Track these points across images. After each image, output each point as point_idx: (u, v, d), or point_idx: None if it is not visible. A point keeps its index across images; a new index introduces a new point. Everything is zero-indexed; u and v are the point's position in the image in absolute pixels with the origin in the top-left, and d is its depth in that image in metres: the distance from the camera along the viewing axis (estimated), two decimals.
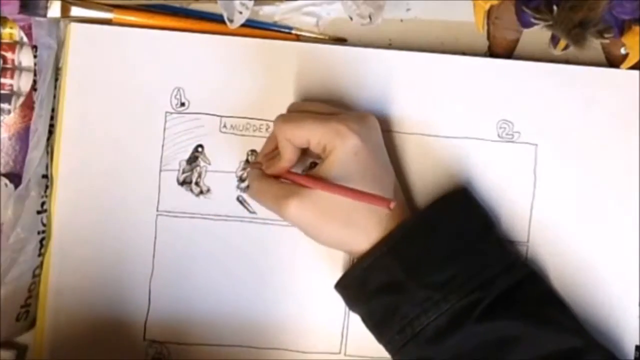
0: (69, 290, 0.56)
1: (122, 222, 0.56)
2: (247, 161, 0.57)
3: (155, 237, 0.56)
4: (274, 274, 0.57)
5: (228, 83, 0.56)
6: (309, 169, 0.55)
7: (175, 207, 0.56)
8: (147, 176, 0.56)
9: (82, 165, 0.56)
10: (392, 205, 0.46)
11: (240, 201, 0.57)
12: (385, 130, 0.56)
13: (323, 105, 0.54)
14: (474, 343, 0.49)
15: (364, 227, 0.50)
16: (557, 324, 0.51)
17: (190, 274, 0.57)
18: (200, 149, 0.56)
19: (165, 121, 0.56)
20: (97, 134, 0.56)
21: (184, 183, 0.57)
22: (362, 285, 0.51)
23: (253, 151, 0.56)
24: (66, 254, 0.56)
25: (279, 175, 0.53)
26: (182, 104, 0.56)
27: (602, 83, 0.57)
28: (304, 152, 0.53)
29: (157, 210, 0.56)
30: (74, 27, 0.56)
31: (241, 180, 0.57)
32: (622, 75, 0.57)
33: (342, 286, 0.53)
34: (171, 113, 0.56)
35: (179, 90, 0.56)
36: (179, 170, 0.56)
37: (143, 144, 0.56)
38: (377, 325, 0.52)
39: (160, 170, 0.56)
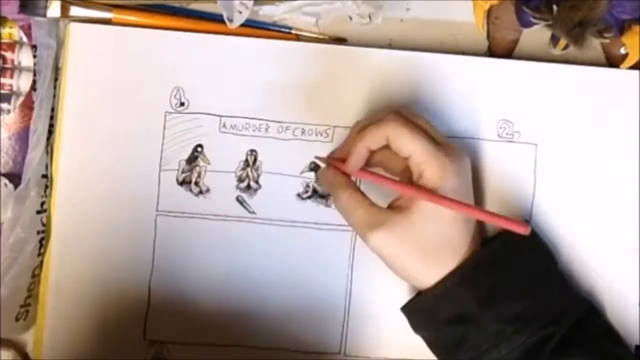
0: (69, 290, 0.56)
1: (121, 221, 0.56)
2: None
3: (155, 237, 0.56)
4: (274, 274, 0.57)
5: (228, 83, 0.56)
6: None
7: (174, 206, 0.56)
8: (147, 176, 0.56)
9: (82, 165, 0.56)
10: (529, 230, 0.46)
11: (240, 201, 0.57)
12: None
13: (432, 125, 0.52)
14: None
15: (441, 262, 0.50)
16: (620, 358, 0.52)
17: (190, 274, 0.56)
18: (199, 149, 0.56)
19: (165, 121, 0.56)
20: (97, 134, 0.56)
21: (184, 183, 0.57)
22: (431, 314, 0.51)
23: (253, 151, 0.56)
24: (66, 254, 0.56)
25: (354, 173, 0.52)
26: (182, 104, 0.56)
27: (602, 83, 0.56)
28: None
29: (157, 210, 0.56)
30: (74, 27, 0.56)
31: (240, 180, 0.56)
32: (622, 75, 0.56)
33: (410, 311, 0.53)
34: (171, 113, 0.56)
35: (178, 90, 0.56)
36: (178, 170, 0.56)
37: (143, 143, 0.56)
38: (443, 353, 0.51)
39: (160, 170, 0.56)
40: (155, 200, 0.56)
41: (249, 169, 0.56)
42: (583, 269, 0.56)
